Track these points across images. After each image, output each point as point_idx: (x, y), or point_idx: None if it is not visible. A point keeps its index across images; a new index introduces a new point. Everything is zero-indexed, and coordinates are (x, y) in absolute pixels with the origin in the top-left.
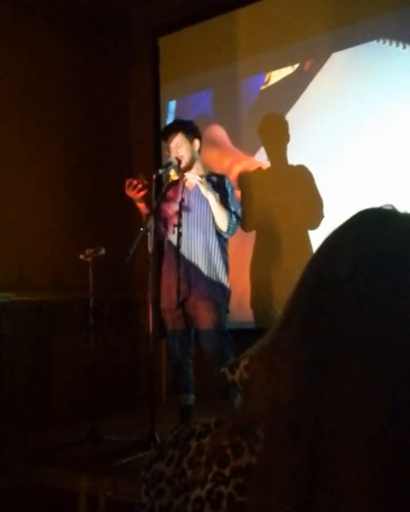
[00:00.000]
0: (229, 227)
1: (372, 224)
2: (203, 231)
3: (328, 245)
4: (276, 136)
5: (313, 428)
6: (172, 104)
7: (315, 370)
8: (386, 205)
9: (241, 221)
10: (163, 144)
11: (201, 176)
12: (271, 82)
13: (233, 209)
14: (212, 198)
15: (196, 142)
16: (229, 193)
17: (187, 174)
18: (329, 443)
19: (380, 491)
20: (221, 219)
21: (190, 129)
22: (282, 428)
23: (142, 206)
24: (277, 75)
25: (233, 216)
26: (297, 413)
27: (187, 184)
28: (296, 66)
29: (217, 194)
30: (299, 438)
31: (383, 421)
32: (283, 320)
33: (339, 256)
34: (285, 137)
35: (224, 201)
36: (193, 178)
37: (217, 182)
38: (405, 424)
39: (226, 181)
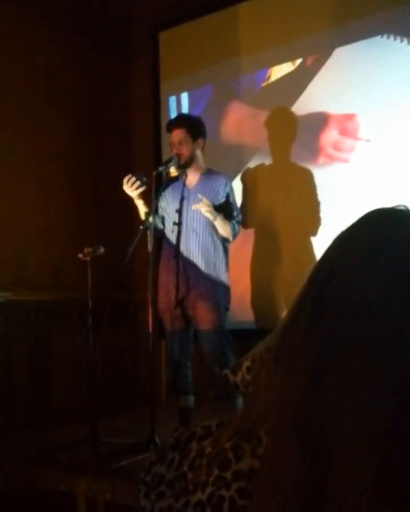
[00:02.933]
0: (233, 235)
1: (385, 224)
2: (202, 230)
3: (338, 244)
4: (279, 133)
5: (318, 430)
6: (173, 100)
7: (322, 370)
8: (399, 205)
9: (242, 222)
10: (166, 138)
11: (201, 174)
12: (273, 78)
13: (234, 213)
14: (218, 221)
15: (200, 141)
16: (229, 197)
17: (196, 206)
18: (335, 445)
19: (387, 493)
20: (226, 232)
21: (195, 127)
22: (287, 430)
23: (139, 203)
24: (279, 71)
25: (236, 225)
26: (303, 415)
27: (187, 182)
28: (298, 61)
29: (221, 216)
30: (304, 440)
31: (390, 423)
32: (291, 318)
33: (350, 255)
34: (289, 135)
35: (226, 208)
36: (200, 207)
37: (217, 184)
38: None
39: (227, 182)
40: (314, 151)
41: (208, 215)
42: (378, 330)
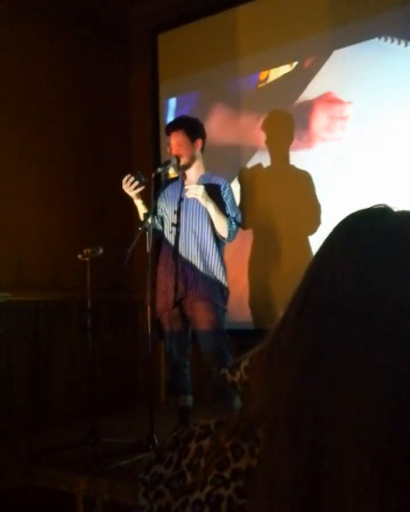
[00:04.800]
0: (229, 234)
1: (362, 221)
2: (200, 231)
3: (324, 244)
4: (278, 135)
5: (313, 426)
6: (172, 102)
7: (313, 368)
8: (378, 204)
9: (241, 225)
10: (165, 139)
11: (201, 176)
12: (271, 80)
13: (233, 214)
14: (211, 208)
15: (198, 142)
16: (229, 199)
17: (187, 192)
18: (330, 442)
19: (384, 489)
20: (221, 227)
21: (193, 128)
22: (281, 429)
23: (138, 203)
24: (276, 73)
25: (233, 222)
26: (296, 413)
27: (186, 183)
28: (296, 63)
29: (214, 204)
30: (299, 438)
31: (384, 417)
32: (282, 318)
33: (333, 253)
34: (287, 136)
35: (223, 207)
36: (191, 193)
37: (216, 186)
38: (406, 420)
39: (226, 185)
40: (307, 139)
41: (200, 199)
42: (359, 325)
